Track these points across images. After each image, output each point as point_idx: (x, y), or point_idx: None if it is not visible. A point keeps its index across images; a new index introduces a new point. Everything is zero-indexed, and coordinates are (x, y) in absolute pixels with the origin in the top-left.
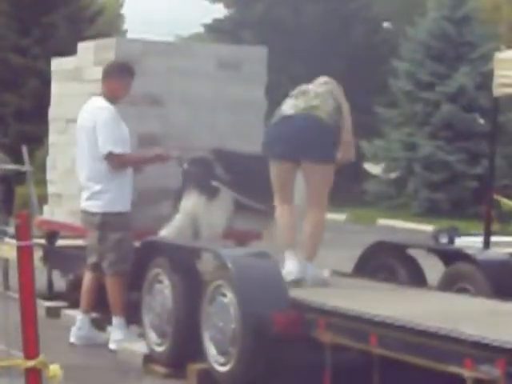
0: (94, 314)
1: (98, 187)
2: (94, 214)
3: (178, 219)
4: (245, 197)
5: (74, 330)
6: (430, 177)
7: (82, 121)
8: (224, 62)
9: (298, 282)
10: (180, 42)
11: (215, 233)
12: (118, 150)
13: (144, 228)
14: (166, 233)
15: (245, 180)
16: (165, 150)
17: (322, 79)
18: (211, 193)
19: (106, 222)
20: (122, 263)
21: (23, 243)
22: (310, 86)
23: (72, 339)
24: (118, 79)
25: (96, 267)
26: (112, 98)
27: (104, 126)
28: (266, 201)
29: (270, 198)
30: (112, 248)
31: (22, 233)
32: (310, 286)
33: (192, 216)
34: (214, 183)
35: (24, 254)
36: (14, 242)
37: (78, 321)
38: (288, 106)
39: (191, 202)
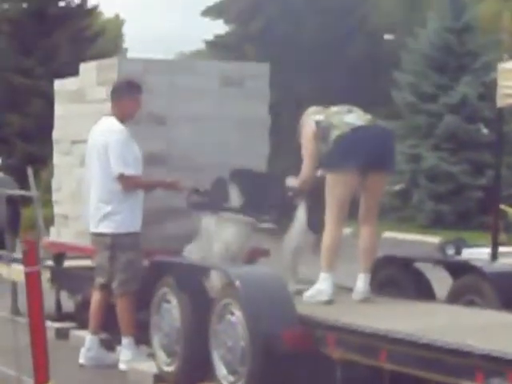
0: (102, 335)
1: (109, 208)
2: (104, 235)
3: (199, 239)
4: (257, 217)
5: (83, 350)
6: (434, 188)
7: (94, 141)
8: (227, 79)
9: (328, 302)
10: (182, 60)
11: (232, 255)
12: (129, 172)
13: (151, 247)
14: (187, 252)
15: (258, 200)
16: (179, 180)
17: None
18: (225, 215)
19: (117, 243)
20: (132, 283)
21: (31, 269)
22: (347, 106)
23: (81, 360)
24: (128, 97)
25: (104, 287)
26: (123, 117)
27: (116, 148)
28: (278, 219)
29: (281, 216)
30: (123, 268)
31: (30, 258)
32: (364, 298)
33: (208, 237)
34: (227, 206)
35: (32, 279)
36: (20, 267)
37: (86, 341)
38: (352, 119)
39: (206, 223)
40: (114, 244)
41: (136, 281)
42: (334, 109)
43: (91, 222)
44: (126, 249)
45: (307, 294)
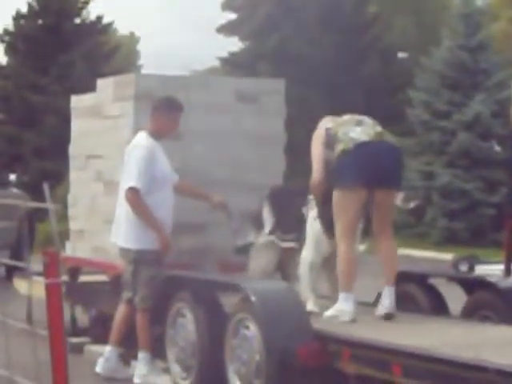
0: (121, 349)
1: (134, 223)
2: (128, 250)
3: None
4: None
5: (101, 360)
6: (448, 205)
7: (125, 156)
8: (242, 95)
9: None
10: (198, 76)
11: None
12: (137, 186)
13: (166, 261)
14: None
15: (286, 217)
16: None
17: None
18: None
19: (140, 258)
20: (153, 299)
21: (52, 281)
22: (357, 116)
23: (98, 369)
24: (167, 115)
25: (130, 301)
26: (159, 133)
27: (135, 162)
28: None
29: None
30: (145, 284)
31: (52, 270)
32: (389, 314)
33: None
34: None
35: (53, 291)
36: (38, 279)
37: (106, 352)
38: (357, 134)
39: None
40: (137, 258)
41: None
42: (344, 118)
43: (118, 236)
44: (148, 264)
45: (328, 313)
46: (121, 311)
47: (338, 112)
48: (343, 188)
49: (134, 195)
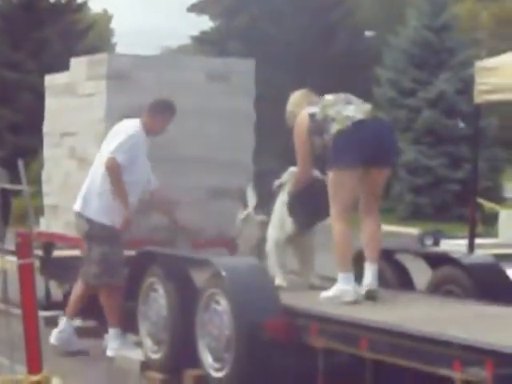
0: (77, 322)
1: (99, 194)
2: (81, 217)
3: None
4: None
5: (55, 331)
6: (413, 181)
7: (111, 132)
8: (213, 75)
9: (354, 302)
10: (169, 56)
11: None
12: (120, 161)
13: (138, 237)
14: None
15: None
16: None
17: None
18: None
19: (92, 233)
20: (107, 277)
21: (25, 261)
22: (342, 95)
23: (52, 340)
24: (161, 116)
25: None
26: (149, 130)
27: (124, 137)
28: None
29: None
30: (97, 261)
31: (24, 251)
32: (372, 290)
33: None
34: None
35: (25, 271)
36: (11, 258)
37: (61, 323)
38: (351, 112)
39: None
40: (89, 232)
41: (113, 275)
42: (329, 99)
43: (82, 204)
44: (101, 241)
45: (327, 294)
46: (78, 286)
47: (303, 88)
48: (341, 168)
49: (115, 164)
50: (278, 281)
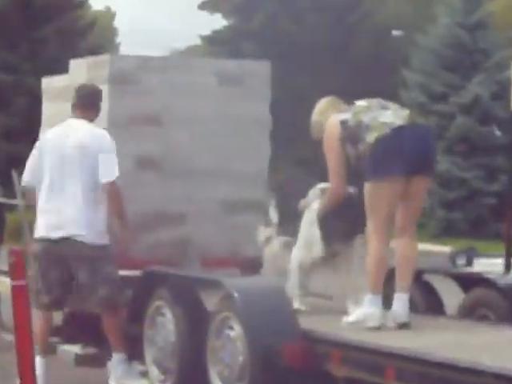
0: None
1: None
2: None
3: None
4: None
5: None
6: (446, 195)
7: (79, 143)
8: (225, 78)
9: (378, 328)
10: (178, 57)
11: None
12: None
13: (143, 257)
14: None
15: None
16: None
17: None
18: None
19: (102, 254)
20: (116, 297)
21: (18, 282)
22: (375, 99)
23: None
24: (97, 103)
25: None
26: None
27: (112, 154)
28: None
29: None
30: (103, 282)
31: (17, 271)
32: (403, 323)
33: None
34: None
35: (19, 294)
36: (4, 279)
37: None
38: (389, 118)
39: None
40: (99, 255)
41: (118, 294)
42: (361, 104)
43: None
44: (110, 261)
45: (350, 319)
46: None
47: (326, 93)
48: (380, 178)
49: (117, 189)
50: (297, 304)
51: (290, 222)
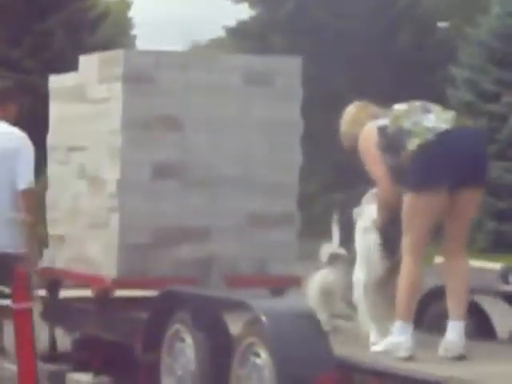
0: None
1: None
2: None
3: None
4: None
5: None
6: (496, 205)
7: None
8: (252, 76)
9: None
10: (200, 53)
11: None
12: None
13: (161, 276)
14: None
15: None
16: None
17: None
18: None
19: None
20: None
21: (21, 306)
22: (418, 102)
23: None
24: (17, 101)
25: None
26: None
27: (31, 159)
28: None
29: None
30: None
31: (20, 293)
32: (460, 355)
33: None
34: None
35: (23, 318)
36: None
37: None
38: (433, 122)
39: None
40: None
41: None
42: (400, 108)
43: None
44: None
45: (378, 348)
46: None
47: (364, 93)
48: (421, 190)
49: (31, 197)
50: (373, 337)
51: (347, 238)
